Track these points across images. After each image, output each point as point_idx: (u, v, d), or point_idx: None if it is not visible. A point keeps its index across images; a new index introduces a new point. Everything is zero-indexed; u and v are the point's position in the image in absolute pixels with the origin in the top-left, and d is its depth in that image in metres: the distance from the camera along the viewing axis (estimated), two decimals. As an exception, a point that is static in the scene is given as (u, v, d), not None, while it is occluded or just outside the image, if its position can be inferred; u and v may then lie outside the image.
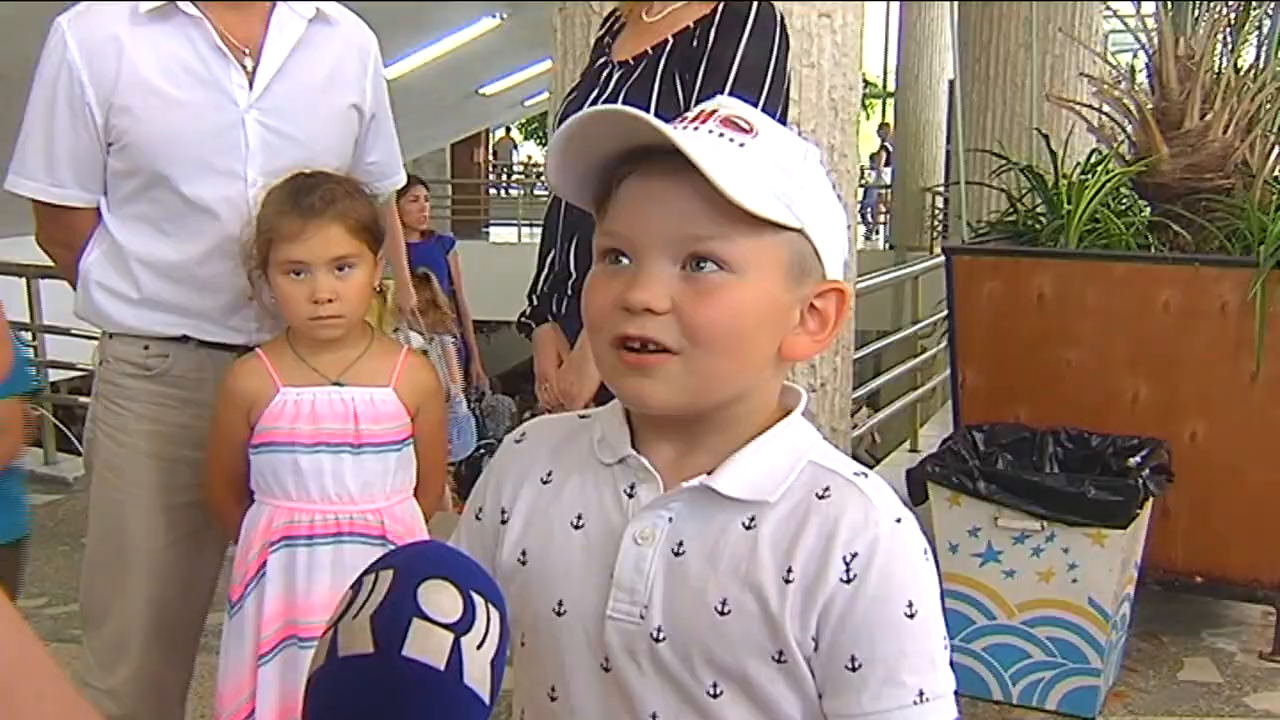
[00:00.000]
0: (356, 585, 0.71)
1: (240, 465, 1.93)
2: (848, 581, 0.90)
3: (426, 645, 0.67)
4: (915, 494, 3.08)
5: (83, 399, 5.25)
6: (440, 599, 0.69)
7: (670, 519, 0.96)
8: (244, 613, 1.91)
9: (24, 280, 5.02)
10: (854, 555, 0.90)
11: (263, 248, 1.85)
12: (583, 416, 1.08)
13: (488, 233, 18.92)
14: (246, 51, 1.92)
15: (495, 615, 0.71)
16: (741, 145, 0.91)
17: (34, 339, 5.22)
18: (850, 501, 0.93)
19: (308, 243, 1.83)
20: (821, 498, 0.94)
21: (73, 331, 4.26)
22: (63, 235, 2.00)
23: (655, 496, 0.96)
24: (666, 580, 0.95)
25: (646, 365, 0.92)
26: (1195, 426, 3.32)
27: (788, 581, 0.92)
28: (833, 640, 0.91)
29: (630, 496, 0.98)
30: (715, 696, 0.94)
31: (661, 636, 0.95)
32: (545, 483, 1.04)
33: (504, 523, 1.05)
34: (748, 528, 0.94)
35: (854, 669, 0.90)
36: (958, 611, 3.01)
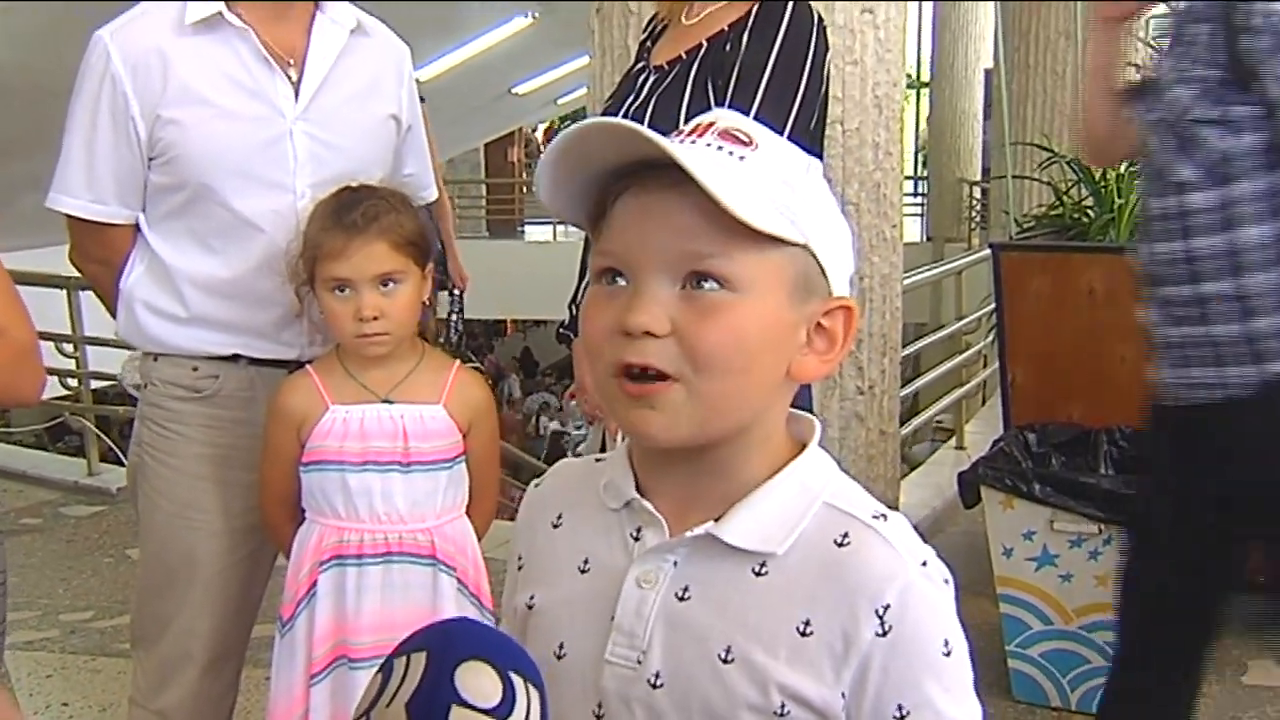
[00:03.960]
0: (386, 669, 0.66)
1: (292, 484, 1.91)
2: (883, 635, 0.87)
3: None
4: (967, 497, 3.02)
5: (123, 409, 5.28)
6: (479, 682, 0.65)
7: (675, 563, 0.93)
8: (295, 632, 1.89)
9: (65, 292, 5.04)
10: (886, 607, 0.87)
11: (309, 264, 1.83)
12: (599, 460, 1.05)
13: (523, 231, 18.93)
14: (290, 62, 1.90)
15: (535, 696, 0.67)
16: (741, 159, 0.88)
17: (75, 350, 5.24)
18: (874, 550, 0.89)
19: (351, 260, 1.80)
20: (841, 545, 0.90)
21: (113, 342, 4.26)
22: (101, 253, 1.97)
23: (660, 541, 0.93)
24: (668, 625, 0.92)
25: (648, 394, 0.87)
26: (1254, 424, 3.24)
27: (804, 634, 0.88)
28: (876, 694, 0.88)
29: (636, 540, 0.95)
30: None
31: (659, 684, 0.91)
32: (556, 527, 1.02)
33: (520, 569, 1.04)
34: (758, 574, 0.90)
35: (902, 717, 0.88)
36: (1014, 617, 2.95)
